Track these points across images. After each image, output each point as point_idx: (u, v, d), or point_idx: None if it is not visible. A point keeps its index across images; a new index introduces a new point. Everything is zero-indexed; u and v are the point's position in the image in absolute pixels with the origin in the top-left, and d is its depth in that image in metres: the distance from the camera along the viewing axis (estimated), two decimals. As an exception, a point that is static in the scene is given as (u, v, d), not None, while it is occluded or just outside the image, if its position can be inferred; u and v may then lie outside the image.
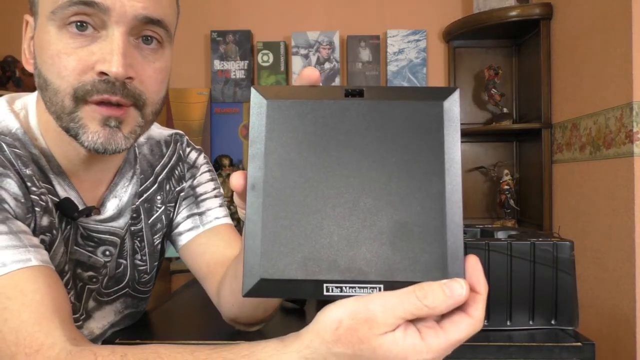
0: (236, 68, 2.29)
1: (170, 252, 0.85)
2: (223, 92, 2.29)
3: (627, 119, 1.46)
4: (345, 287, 0.35)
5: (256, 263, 0.35)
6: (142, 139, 0.77)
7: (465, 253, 0.37)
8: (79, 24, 0.55)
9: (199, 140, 2.23)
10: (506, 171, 2.17)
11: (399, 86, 0.41)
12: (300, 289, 0.35)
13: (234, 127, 2.27)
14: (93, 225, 0.68)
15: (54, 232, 0.61)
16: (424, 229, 0.35)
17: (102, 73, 0.56)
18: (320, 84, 0.39)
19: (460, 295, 0.34)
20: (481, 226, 1.01)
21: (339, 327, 0.35)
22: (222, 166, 2.14)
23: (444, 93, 0.37)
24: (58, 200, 0.63)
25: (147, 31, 0.59)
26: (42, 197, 0.60)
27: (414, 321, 0.36)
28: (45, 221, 0.60)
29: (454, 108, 0.37)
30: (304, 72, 0.40)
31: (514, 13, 2.03)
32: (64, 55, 0.56)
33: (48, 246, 0.60)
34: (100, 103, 0.57)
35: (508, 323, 0.78)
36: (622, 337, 1.47)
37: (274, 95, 0.38)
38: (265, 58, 2.29)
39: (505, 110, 2.18)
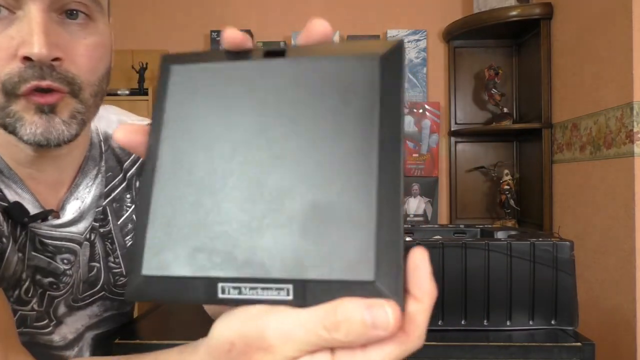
0: (236, 68, 2.29)
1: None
2: (223, 92, 2.29)
3: (628, 119, 1.46)
4: (245, 287, 0.27)
5: (140, 257, 0.28)
6: (112, 132, 0.71)
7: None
8: None
9: (199, 140, 2.23)
10: (506, 171, 2.17)
11: (333, 42, 0.30)
12: (190, 289, 0.27)
13: (234, 127, 2.27)
14: (46, 231, 0.62)
15: (4, 240, 0.57)
16: (346, 212, 0.27)
17: (26, 58, 0.50)
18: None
19: (385, 329, 0.25)
20: (481, 226, 1.01)
21: (231, 350, 0.28)
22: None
23: (383, 46, 0.29)
24: (7, 205, 0.58)
25: (70, 4, 0.52)
26: None
27: None
28: None
29: (395, 65, 0.29)
30: (225, 35, 0.32)
31: (514, 13, 2.03)
32: None
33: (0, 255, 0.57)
34: (32, 93, 0.51)
35: (508, 323, 0.78)
36: (622, 337, 1.47)
37: (182, 61, 0.32)
38: (265, 58, 2.29)
39: (505, 110, 2.18)
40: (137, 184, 0.73)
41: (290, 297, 0.26)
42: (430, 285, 0.27)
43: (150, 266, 0.28)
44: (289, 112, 0.29)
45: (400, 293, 0.25)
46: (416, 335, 0.27)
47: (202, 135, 0.30)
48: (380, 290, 0.25)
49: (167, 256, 0.28)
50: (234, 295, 0.27)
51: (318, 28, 0.31)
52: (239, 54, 0.32)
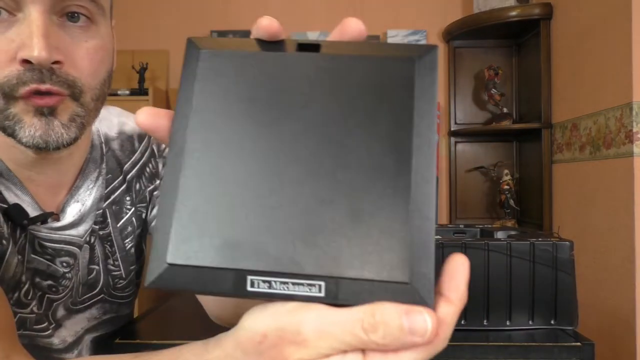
0: (236, 68, 2.29)
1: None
2: (223, 92, 2.29)
3: (627, 119, 1.46)
4: (275, 282, 0.27)
5: (165, 245, 0.28)
6: (113, 134, 0.72)
7: (467, 255, 0.29)
8: None
9: (199, 140, 2.23)
10: (506, 171, 2.17)
11: (367, 42, 0.32)
12: (217, 280, 0.27)
13: (234, 127, 2.28)
14: (45, 234, 0.61)
15: (4, 242, 0.57)
16: (381, 215, 0.27)
17: (25, 61, 0.49)
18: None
19: (423, 335, 0.25)
20: (481, 226, 1.01)
21: (262, 342, 0.28)
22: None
23: (419, 51, 0.30)
24: (6, 206, 0.58)
25: (71, 7, 0.52)
26: None
27: None
28: None
29: (430, 70, 0.29)
30: (259, 23, 0.31)
31: (514, 13, 2.03)
32: None
33: None
34: (31, 95, 0.51)
35: (508, 323, 0.78)
36: (622, 337, 1.47)
37: (212, 46, 0.31)
38: (265, 58, 2.29)
39: (505, 110, 2.18)
40: (137, 186, 0.73)
41: (322, 294, 0.26)
42: (464, 290, 0.28)
43: (176, 254, 0.28)
44: (323, 109, 0.29)
45: (432, 295, 0.26)
46: (444, 337, 0.27)
47: (233, 125, 0.29)
48: (415, 292, 0.26)
49: (195, 245, 0.28)
50: (263, 289, 0.27)
51: (353, 27, 0.31)
52: (271, 44, 0.31)
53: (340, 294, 0.26)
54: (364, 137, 0.28)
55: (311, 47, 0.30)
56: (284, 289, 0.27)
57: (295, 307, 0.27)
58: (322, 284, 0.26)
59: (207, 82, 0.30)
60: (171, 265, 0.28)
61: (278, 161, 0.28)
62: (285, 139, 0.29)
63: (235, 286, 0.27)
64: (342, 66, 0.30)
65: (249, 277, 0.27)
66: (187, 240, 0.28)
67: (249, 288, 0.27)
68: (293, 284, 0.27)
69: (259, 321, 0.28)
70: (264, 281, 0.27)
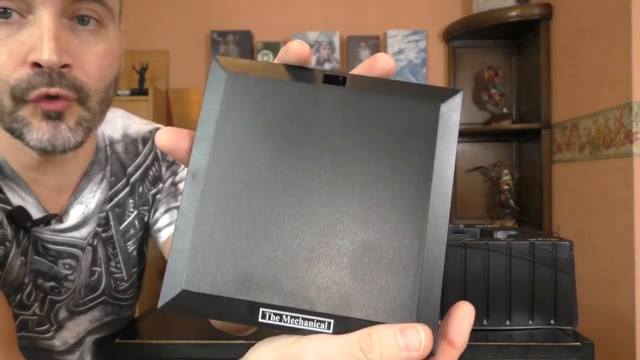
0: (236, 68, 2.29)
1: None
2: (223, 92, 2.29)
3: (627, 119, 1.46)
4: (286, 316, 0.28)
5: (180, 270, 0.28)
6: (117, 136, 0.72)
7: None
8: (1, 10, 0.49)
9: (199, 140, 2.23)
10: (506, 171, 2.18)
11: (392, 80, 0.32)
12: (230, 310, 0.28)
13: (234, 127, 2.28)
14: (48, 236, 0.62)
15: (7, 244, 0.57)
16: (394, 256, 0.28)
17: (35, 64, 0.50)
18: (312, 66, 0.32)
19: (417, 349, 0.26)
20: (481, 226, 1.01)
21: None
22: (222, 166, 2.15)
23: (443, 94, 0.30)
24: (10, 208, 0.58)
25: (81, 10, 0.52)
26: None
27: None
28: None
29: (453, 114, 0.30)
30: (290, 46, 0.31)
31: (513, 13, 2.04)
32: None
33: (2, 259, 0.57)
34: (40, 100, 0.51)
35: (507, 323, 0.78)
36: (622, 337, 1.47)
37: (237, 69, 0.31)
38: (265, 58, 2.29)
39: (505, 110, 2.18)
40: (140, 189, 0.73)
41: (330, 332, 0.28)
42: (467, 336, 0.29)
43: (192, 281, 0.28)
44: (345, 145, 0.30)
45: (436, 341, 0.27)
46: None
47: (254, 153, 0.30)
48: None
49: (210, 274, 0.28)
50: (274, 321, 0.28)
51: (383, 64, 0.32)
52: (298, 73, 0.31)
53: (348, 332, 0.27)
54: (383, 176, 0.29)
55: (337, 80, 0.31)
56: (294, 323, 0.28)
57: (298, 338, 0.28)
58: (332, 321, 0.28)
59: (230, 107, 0.31)
60: (186, 291, 0.28)
61: (296, 194, 0.29)
62: (306, 171, 0.29)
63: (247, 316, 0.28)
64: (367, 103, 0.30)
65: (261, 310, 0.28)
66: (203, 268, 0.28)
67: (260, 319, 0.28)
68: (303, 319, 0.28)
69: (263, 355, 0.29)
70: (275, 314, 0.28)
